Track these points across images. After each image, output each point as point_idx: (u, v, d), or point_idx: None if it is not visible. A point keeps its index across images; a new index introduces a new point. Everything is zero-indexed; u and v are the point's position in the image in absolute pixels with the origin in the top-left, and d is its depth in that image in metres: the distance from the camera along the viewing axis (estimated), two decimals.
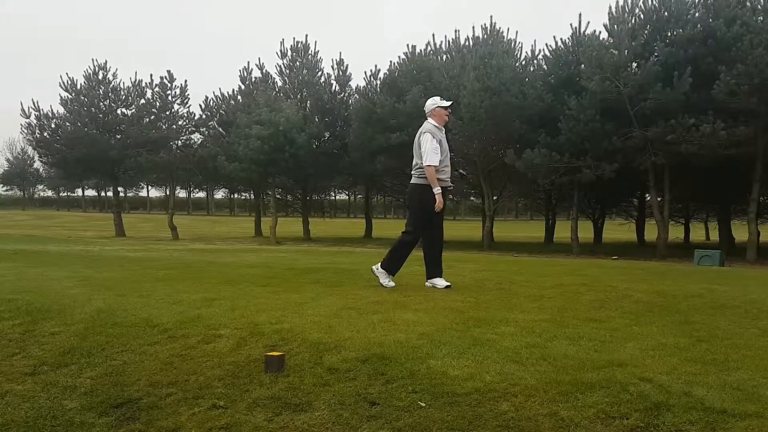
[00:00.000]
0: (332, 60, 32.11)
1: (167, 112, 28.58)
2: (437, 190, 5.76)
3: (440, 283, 6.01)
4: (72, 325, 4.68)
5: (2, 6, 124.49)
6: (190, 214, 67.06)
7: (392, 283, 6.04)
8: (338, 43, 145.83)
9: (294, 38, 32.74)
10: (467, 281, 6.84)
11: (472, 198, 55.96)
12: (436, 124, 5.96)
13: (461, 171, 6.58)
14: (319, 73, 27.79)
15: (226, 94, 30.33)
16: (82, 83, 27.80)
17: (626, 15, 17.93)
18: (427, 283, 6.13)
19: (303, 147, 24.18)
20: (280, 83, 28.39)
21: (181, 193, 69.22)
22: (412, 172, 6.05)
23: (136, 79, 28.35)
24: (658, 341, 3.84)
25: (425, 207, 5.86)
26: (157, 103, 28.30)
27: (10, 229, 31.95)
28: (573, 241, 20.95)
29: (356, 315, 4.65)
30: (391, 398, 3.11)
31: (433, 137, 5.81)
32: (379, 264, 6.15)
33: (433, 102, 6.06)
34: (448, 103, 6.07)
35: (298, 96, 27.23)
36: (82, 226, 39.58)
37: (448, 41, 24.28)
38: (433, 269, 6.11)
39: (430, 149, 5.76)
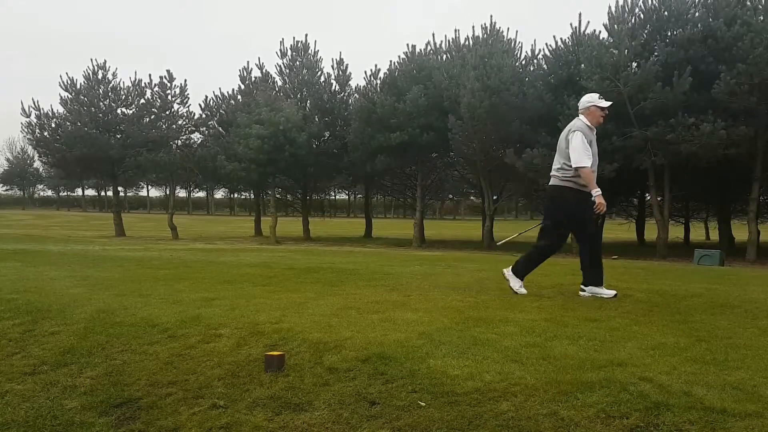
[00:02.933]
0: (332, 59, 32.11)
1: (167, 112, 28.54)
2: (596, 191, 5.23)
3: (601, 292, 5.53)
4: (72, 325, 4.68)
5: (2, 6, 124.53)
6: (190, 213, 67.07)
7: (524, 290, 5.68)
8: (338, 43, 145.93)
9: (294, 38, 32.74)
10: (467, 281, 6.84)
11: (472, 198, 56.10)
12: (589, 124, 5.48)
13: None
14: (319, 72, 27.75)
15: (225, 94, 30.33)
16: (82, 83, 27.77)
17: (626, 15, 17.91)
18: (583, 293, 5.64)
19: (303, 146, 24.15)
20: (280, 83, 28.37)
21: (181, 193, 69.30)
22: (552, 173, 5.57)
23: (135, 79, 28.34)
24: (658, 341, 3.84)
25: (568, 210, 5.43)
26: (157, 103, 28.27)
27: (10, 228, 31.95)
28: (573, 240, 20.90)
29: (356, 314, 4.66)
30: (391, 398, 3.11)
31: (585, 137, 5.36)
32: (511, 269, 5.81)
33: (591, 99, 5.55)
34: (607, 104, 5.53)
35: (298, 95, 27.20)
36: (81, 225, 39.57)
37: (448, 41, 24.24)
38: (590, 276, 5.62)
39: (582, 149, 5.28)
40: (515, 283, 5.70)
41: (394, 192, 33.51)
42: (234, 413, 3.19)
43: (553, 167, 5.56)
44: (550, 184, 5.63)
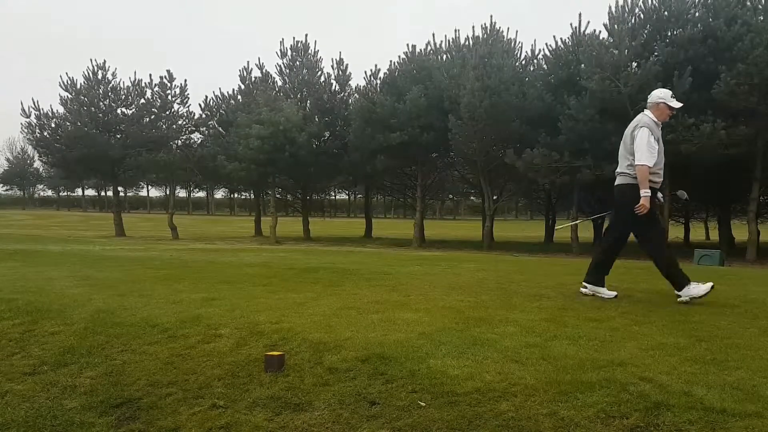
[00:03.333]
0: (332, 59, 32.13)
1: (167, 112, 28.57)
2: (645, 192, 5.09)
3: (602, 291, 5.45)
4: (72, 325, 4.68)
5: (2, 6, 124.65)
6: (190, 213, 67.06)
7: (704, 287, 5.18)
8: (338, 43, 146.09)
9: (294, 38, 32.76)
10: (467, 281, 6.84)
11: (472, 198, 56.11)
12: (656, 120, 5.29)
13: (686, 196, 6.04)
14: (319, 72, 27.78)
15: (225, 94, 30.35)
16: (82, 83, 27.80)
17: (626, 15, 17.93)
18: (584, 290, 5.60)
19: (303, 146, 24.16)
20: (280, 83, 28.39)
21: (181, 193, 69.37)
22: (621, 171, 5.37)
23: (135, 79, 28.38)
24: (658, 341, 3.84)
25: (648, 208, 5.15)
26: (157, 103, 28.29)
27: (10, 228, 31.94)
28: (573, 240, 20.94)
29: (356, 315, 4.66)
30: (391, 398, 3.11)
31: (651, 133, 5.17)
32: (678, 289, 5.32)
33: (663, 96, 5.34)
34: (678, 105, 5.40)
35: (298, 95, 27.21)
36: (82, 225, 39.58)
37: (448, 41, 24.28)
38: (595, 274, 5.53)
39: (646, 147, 5.09)
40: (696, 290, 5.20)
41: (394, 192, 33.53)
42: (234, 413, 3.19)
43: (621, 164, 5.36)
44: (619, 182, 5.38)
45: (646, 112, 5.36)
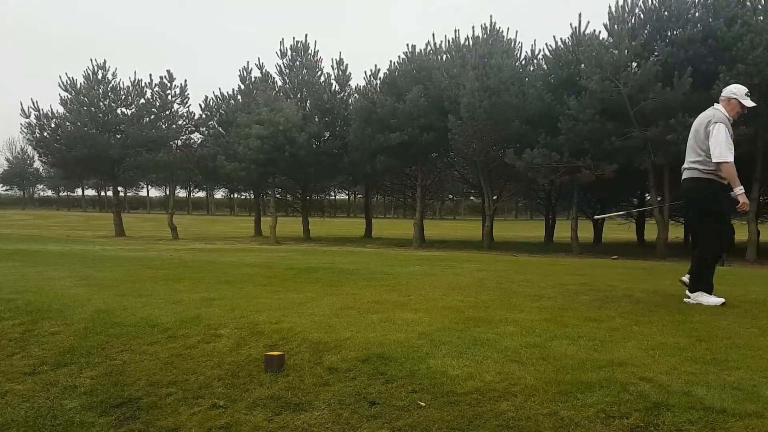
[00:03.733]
0: (332, 60, 32.13)
1: (167, 112, 28.55)
2: (740, 189, 4.88)
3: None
4: (72, 325, 4.68)
5: (2, 6, 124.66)
6: (190, 213, 67.04)
7: (714, 300, 5.09)
8: (337, 43, 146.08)
9: (294, 38, 32.73)
10: (467, 281, 6.84)
11: (472, 198, 56.08)
12: (728, 115, 5.12)
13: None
14: (319, 72, 27.76)
15: (225, 94, 30.31)
16: (82, 83, 27.78)
17: (626, 15, 17.93)
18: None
19: (303, 146, 24.15)
20: (279, 83, 28.36)
21: (181, 193, 69.36)
22: (689, 165, 5.17)
23: (135, 79, 28.35)
24: (658, 341, 3.84)
25: (714, 204, 5.00)
26: (157, 103, 28.28)
27: (10, 228, 31.93)
28: (573, 240, 20.93)
29: (356, 315, 4.66)
30: (391, 398, 3.11)
31: (727, 129, 4.98)
32: (690, 292, 5.23)
33: (737, 92, 5.19)
34: (751, 105, 5.23)
35: (298, 96, 27.19)
36: (81, 225, 39.57)
37: (448, 41, 24.25)
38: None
39: (725, 143, 4.88)
40: (709, 299, 5.10)
41: (394, 192, 33.49)
42: (234, 413, 3.19)
43: (689, 159, 5.16)
44: (687, 176, 5.19)
45: (718, 106, 5.18)
